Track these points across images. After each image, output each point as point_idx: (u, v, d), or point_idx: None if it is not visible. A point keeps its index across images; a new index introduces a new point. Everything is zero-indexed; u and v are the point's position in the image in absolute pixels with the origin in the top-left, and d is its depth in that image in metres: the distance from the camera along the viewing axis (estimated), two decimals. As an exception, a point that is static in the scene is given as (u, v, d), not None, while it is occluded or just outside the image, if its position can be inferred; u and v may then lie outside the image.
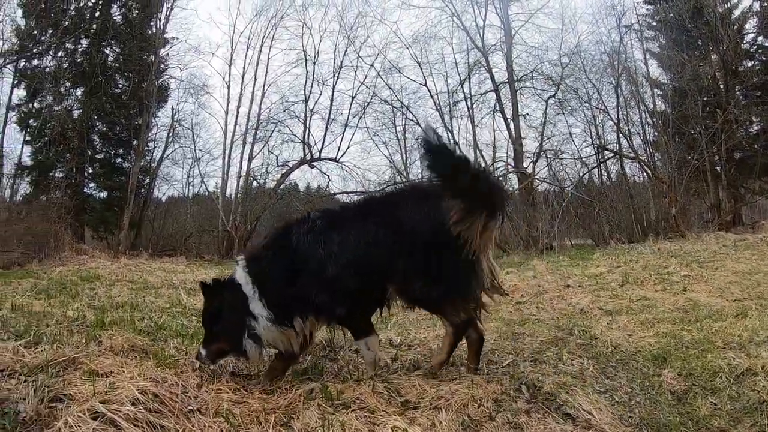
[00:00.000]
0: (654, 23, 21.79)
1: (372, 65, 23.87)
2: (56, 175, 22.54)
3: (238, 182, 23.74)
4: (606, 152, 20.14)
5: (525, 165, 20.57)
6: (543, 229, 16.70)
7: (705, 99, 19.04)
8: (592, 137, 20.62)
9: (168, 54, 24.99)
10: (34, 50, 22.00)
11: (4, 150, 22.33)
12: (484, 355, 3.55)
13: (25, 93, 23.17)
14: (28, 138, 23.19)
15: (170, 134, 23.96)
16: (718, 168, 19.53)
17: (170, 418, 2.53)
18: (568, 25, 21.88)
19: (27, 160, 22.88)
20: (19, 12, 22.60)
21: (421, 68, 23.41)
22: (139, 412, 2.47)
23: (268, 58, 24.82)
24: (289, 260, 3.22)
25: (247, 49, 24.83)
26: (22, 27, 22.54)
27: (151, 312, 5.61)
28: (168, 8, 24.72)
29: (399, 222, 3.19)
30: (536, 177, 19.77)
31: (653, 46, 21.96)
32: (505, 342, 3.95)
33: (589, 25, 24.24)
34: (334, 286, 3.12)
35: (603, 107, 20.06)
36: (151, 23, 24.81)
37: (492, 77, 22.17)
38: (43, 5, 22.04)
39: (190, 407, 2.68)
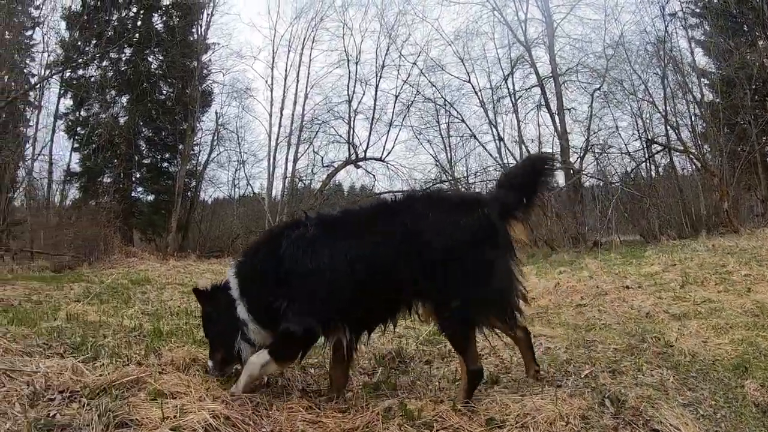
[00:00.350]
0: (698, 9, 21.12)
1: (415, 63, 23.89)
2: (104, 180, 23.36)
3: (284, 183, 24.09)
4: (655, 146, 19.61)
5: (572, 160, 20.22)
6: (592, 226, 16.45)
7: (754, 87, 18.39)
8: (639, 130, 20.14)
9: (210, 59, 25.51)
10: (79, 60, 22.62)
11: (53, 158, 23.26)
12: (561, 366, 3.55)
13: (71, 102, 24.01)
14: (76, 145, 24.02)
15: (215, 138, 24.46)
16: (769, 159, 18.90)
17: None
18: (611, 15, 21.19)
19: (75, 167, 23.70)
20: (63, 24, 23.39)
21: (464, 65, 23.29)
22: (213, 438, 2.40)
23: (310, 60, 25.06)
24: (273, 266, 3.10)
25: (288, 51, 25.09)
26: (66, 39, 23.36)
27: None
28: (209, 14, 25.17)
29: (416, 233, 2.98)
30: (584, 173, 19.40)
31: (698, 33, 21.27)
32: (579, 350, 3.91)
33: (632, 15, 23.58)
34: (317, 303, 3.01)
35: (650, 99, 19.57)
36: (193, 30, 25.33)
37: (536, 72, 21.86)
38: (85, 17, 22.73)
39: (264, 429, 2.65)
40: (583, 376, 3.35)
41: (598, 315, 5.86)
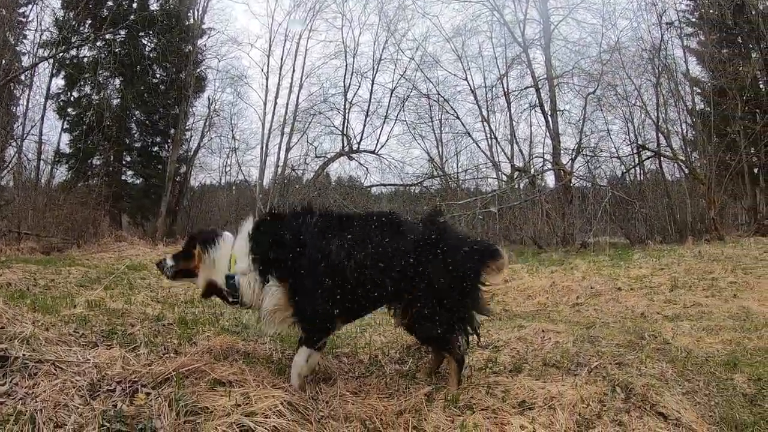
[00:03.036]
0: (694, 19, 21.50)
1: (412, 58, 24.05)
2: (94, 162, 23.13)
3: (276, 172, 24.07)
4: (645, 151, 19.98)
5: (564, 162, 20.50)
6: (580, 227, 16.76)
7: (745, 99, 18.79)
8: (629, 135, 20.52)
9: (206, 45, 25.29)
10: (73, 40, 22.37)
11: (42, 138, 23.03)
12: (572, 358, 3.78)
13: (63, 82, 23.70)
14: (66, 126, 23.78)
15: (207, 124, 24.33)
16: (756, 170, 19.35)
17: (310, 427, 2.60)
18: (608, 20, 21.55)
19: (65, 148, 23.44)
20: (58, 3, 23.13)
21: (461, 62, 23.60)
22: (286, 423, 2.52)
23: (306, 50, 25.05)
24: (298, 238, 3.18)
25: (285, 40, 25.04)
26: (61, 18, 23.07)
27: (221, 308, 5.44)
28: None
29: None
30: (575, 174, 19.73)
31: (693, 42, 21.67)
32: (585, 345, 4.13)
33: (629, 21, 23.97)
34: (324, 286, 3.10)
35: (642, 105, 19.91)
36: (189, 14, 25.14)
37: (532, 72, 22.15)
38: (80, -4, 22.47)
39: (322, 414, 2.75)
40: (593, 366, 3.57)
41: (595, 314, 6.12)
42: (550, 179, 21.76)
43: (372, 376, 3.44)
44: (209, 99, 24.71)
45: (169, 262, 3.44)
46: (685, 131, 20.17)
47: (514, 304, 7.02)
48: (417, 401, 2.89)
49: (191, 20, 24.97)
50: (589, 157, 20.32)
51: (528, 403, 2.88)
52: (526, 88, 22.73)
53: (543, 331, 4.44)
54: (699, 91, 20.87)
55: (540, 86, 21.88)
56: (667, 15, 20.79)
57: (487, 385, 3.10)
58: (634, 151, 20.10)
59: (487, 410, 2.80)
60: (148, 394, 2.71)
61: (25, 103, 23.10)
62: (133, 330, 4.03)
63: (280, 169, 23.83)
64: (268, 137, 24.13)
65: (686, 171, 19.36)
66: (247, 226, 3.29)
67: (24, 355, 2.90)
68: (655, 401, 3.08)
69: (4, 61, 21.21)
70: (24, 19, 22.94)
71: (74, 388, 2.71)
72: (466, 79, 23.53)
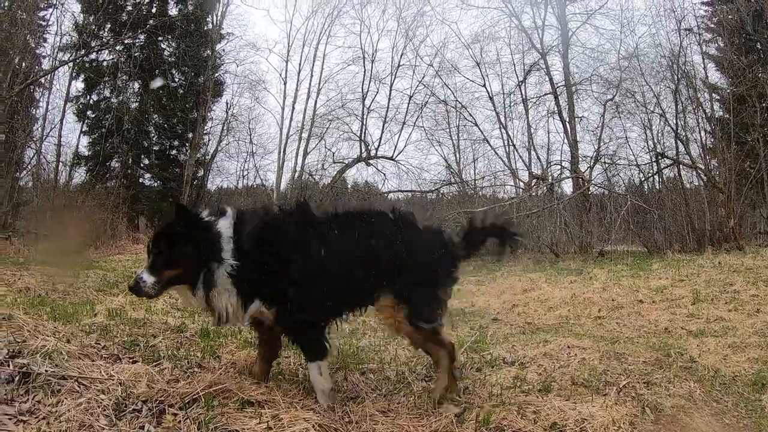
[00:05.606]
0: (713, 25, 21.33)
1: (431, 64, 23.98)
2: (113, 165, 23.38)
3: (293, 177, 24.20)
4: (664, 159, 19.79)
5: (582, 169, 20.38)
6: (598, 236, 16.66)
7: (765, 106, 18.58)
8: (648, 142, 20.32)
9: (224, 50, 25.50)
10: (93, 44, 22.64)
11: (62, 140, 23.31)
12: (600, 376, 3.79)
13: (83, 85, 24.00)
14: (85, 129, 24.07)
15: (225, 128, 24.48)
16: (775, 179, 19.11)
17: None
18: (627, 26, 21.46)
19: (84, 150, 23.69)
20: (77, 7, 23.35)
21: (480, 68, 23.40)
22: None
23: (324, 55, 25.19)
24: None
25: (303, 45, 25.18)
26: (81, 22, 23.39)
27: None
28: (224, 4, 25.22)
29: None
30: (593, 183, 19.61)
31: (712, 49, 21.48)
32: (612, 362, 4.14)
33: (647, 27, 23.80)
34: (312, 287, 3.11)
35: (661, 112, 19.76)
36: (208, 19, 25.38)
37: (550, 79, 22.04)
38: (100, 1, 22.78)
39: None
40: (621, 386, 3.59)
41: (618, 328, 6.11)
42: (567, 187, 21.68)
43: (400, 394, 3.43)
44: (227, 103, 24.91)
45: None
46: (704, 139, 19.98)
47: (536, 316, 7.01)
48: (447, 422, 2.89)
49: (210, 25, 25.19)
50: (607, 165, 20.15)
51: (560, 425, 2.89)
52: (545, 94, 22.63)
53: (568, 347, 4.46)
54: (718, 97, 20.66)
55: (558, 93, 21.77)
56: (686, 21, 20.63)
57: (517, 406, 3.11)
58: (653, 159, 19.93)
59: (519, 432, 2.81)
60: (175, 414, 2.70)
61: (44, 105, 23.42)
62: (155, 342, 4.02)
63: (297, 174, 23.96)
64: (286, 142, 24.33)
65: (705, 179, 19.17)
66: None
67: (47, 371, 2.86)
68: (685, 423, 3.10)
69: (24, 65, 21.59)
70: (44, 23, 23.32)
71: (99, 407, 2.68)
72: (484, 86, 23.40)
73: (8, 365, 2.83)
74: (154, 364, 3.40)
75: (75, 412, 2.56)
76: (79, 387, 2.82)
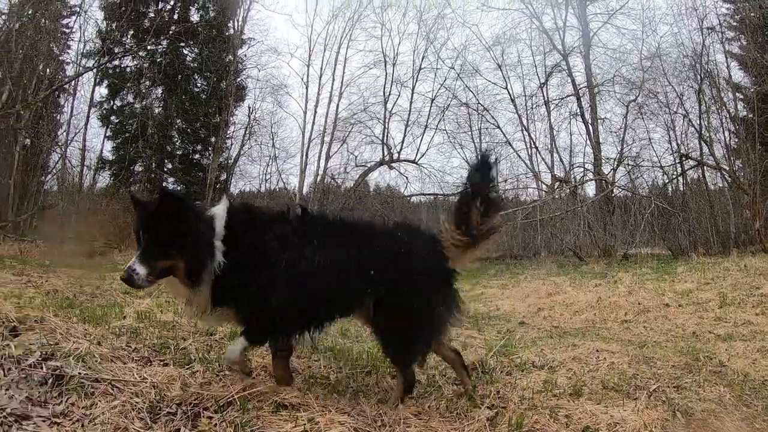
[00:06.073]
0: (735, 23, 21.05)
1: (452, 67, 24.03)
2: (136, 169, 23.81)
3: (316, 180, 24.31)
4: (688, 160, 19.58)
5: (606, 171, 20.25)
6: (622, 238, 16.53)
7: (789, 105, 18.32)
8: (671, 143, 20.16)
9: (246, 54, 25.78)
10: (116, 51, 23.05)
11: (86, 144, 23.78)
12: (630, 380, 3.85)
13: (106, 91, 24.49)
14: (109, 133, 24.55)
15: (247, 132, 24.73)
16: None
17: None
18: (649, 26, 21.33)
19: (108, 155, 24.16)
20: (101, 14, 23.74)
21: (501, 71, 23.44)
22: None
23: (345, 59, 25.37)
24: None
25: (324, 50, 25.39)
26: (104, 29, 23.86)
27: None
28: (245, 9, 25.49)
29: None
30: (617, 185, 19.44)
31: (734, 47, 21.21)
32: (641, 366, 4.18)
33: (669, 27, 23.53)
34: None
35: (684, 112, 19.57)
36: (229, 24, 25.70)
37: (572, 80, 21.97)
38: (123, 9, 23.21)
39: None
40: (651, 390, 3.64)
41: (645, 332, 6.14)
42: (589, 189, 21.55)
43: (431, 397, 3.45)
44: (249, 108, 25.15)
45: None
46: (728, 139, 19.76)
47: (562, 319, 7.06)
48: (480, 425, 2.90)
49: (231, 30, 25.48)
50: (630, 167, 19.96)
51: (592, 429, 2.93)
52: (567, 96, 22.54)
53: (597, 350, 4.49)
54: (742, 97, 20.44)
55: (581, 94, 21.67)
56: (708, 20, 20.35)
57: (549, 409, 3.15)
58: (677, 160, 19.74)
59: (552, 436, 2.86)
60: (210, 418, 2.69)
61: (69, 111, 23.91)
62: (185, 345, 3.99)
63: (319, 178, 24.12)
64: (308, 146, 24.48)
65: (729, 180, 18.94)
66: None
67: (80, 373, 2.86)
68: (716, 427, 3.14)
69: (48, 71, 22.07)
70: (67, 30, 23.81)
71: (134, 410, 2.69)
72: (506, 88, 23.41)
73: (41, 367, 2.85)
74: (186, 367, 3.42)
75: (109, 414, 2.59)
76: (113, 390, 2.84)
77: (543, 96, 22.99)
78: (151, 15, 24.22)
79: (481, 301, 8.94)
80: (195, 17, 25.34)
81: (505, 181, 23.49)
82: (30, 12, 18.40)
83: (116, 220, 18.41)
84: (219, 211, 3.07)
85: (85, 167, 23.92)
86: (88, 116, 23.85)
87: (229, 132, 24.66)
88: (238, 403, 2.80)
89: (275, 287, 3.01)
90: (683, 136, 20.04)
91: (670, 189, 20.45)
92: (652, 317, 6.88)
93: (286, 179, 25.93)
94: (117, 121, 24.55)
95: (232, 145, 25.08)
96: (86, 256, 14.69)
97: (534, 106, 23.27)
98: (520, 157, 23.35)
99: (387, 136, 24.28)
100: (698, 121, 19.01)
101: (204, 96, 24.57)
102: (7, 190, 20.23)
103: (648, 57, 20.68)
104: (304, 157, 24.38)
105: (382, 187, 25.94)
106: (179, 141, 25.16)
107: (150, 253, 2.87)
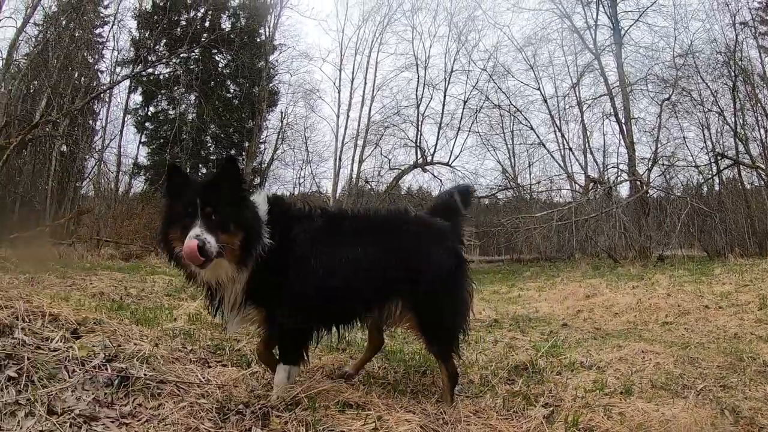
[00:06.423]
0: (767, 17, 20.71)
1: (484, 69, 24.20)
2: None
3: (349, 183, 24.73)
4: (724, 159, 19.32)
5: (640, 171, 20.01)
6: (657, 240, 16.40)
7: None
8: (706, 142, 19.92)
9: (277, 60, 26.29)
10: (150, 59, 23.69)
11: (121, 150, 24.60)
12: (677, 380, 3.99)
13: (141, 98, 25.20)
14: (144, 139, 25.26)
15: (280, 137, 25.20)
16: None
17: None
18: (680, 23, 21.08)
19: (143, 160, 24.90)
20: (134, 23, 24.65)
21: (533, 71, 23.56)
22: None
23: (377, 63, 25.73)
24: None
25: (356, 53, 25.84)
26: (137, 38, 24.54)
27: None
28: (276, 16, 26.00)
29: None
30: (651, 185, 19.25)
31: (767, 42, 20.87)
32: (687, 366, 4.30)
33: (701, 23, 23.17)
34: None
35: (718, 110, 19.33)
36: (260, 31, 26.18)
37: (605, 80, 21.84)
38: (155, 17, 23.84)
39: None
40: (699, 389, 3.78)
41: (686, 333, 6.22)
42: (622, 190, 21.40)
43: (486, 396, 3.53)
44: (282, 113, 25.61)
45: None
46: (764, 137, 19.46)
47: (602, 321, 7.15)
48: (537, 423, 3.00)
49: (263, 37, 25.92)
50: (665, 167, 19.78)
51: (645, 426, 3.04)
52: (600, 96, 22.46)
53: (642, 351, 4.62)
54: (776, 93, 20.04)
55: (614, 94, 21.46)
56: (741, 14, 20.11)
57: (602, 407, 3.29)
58: (712, 159, 19.48)
59: (608, 434, 2.99)
60: (279, 416, 2.73)
61: (104, 118, 24.73)
62: (239, 346, 4.06)
63: (353, 181, 24.42)
64: (341, 149, 24.86)
65: (766, 179, 18.64)
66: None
67: (145, 374, 2.94)
68: (763, 425, 3.25)
69: (83, 80, 22.82)
70: (100, 39, 24.57)
71: (203, 410, 2.73)
72: (538, 89, 23.48)
73: (106, 369, 2.90)
74: (245, 368, 3.50)
75: (178, 415, 2.63)
76: (179, 391, 2.90)
77: (576, 96, 23.10)
78: (183, 23, 24.81)
79: (519, 304, 9.07)
80: (226, 24, 25.82)
81: (539, 182, 23.59)
82: (64, 23, 19.06)
83: (152, 224, 19.02)
84: (259, 198, 3.01)
85: (121, 172, 24.68)
86: (123, 123, 24.65)
87: (262, 137, 25.18)
88: (306, 401, 2.87)
89: (319, 280, 2.96)
90: (718, 134, 19.86)
91: (705, 189, 20.23)
92: (693, 319, 6.94)
93: (319, 182, 26.31)
94: (152, 127, 25.18)
95: (265, 149, 25.58)
96: (123, 259, 15.30)
97: (567, 106, 23.42)
98: (553, 158, 23.45)
99: (420, 138, 24.56)
100: (733, 119, 18.81)
101: (237, 101, 25.05)
102: (44, 195, 21.02)
103: (680, 54, 20.51)
104: (337, 160, 24.80)
105: (413, 189, 26.13)
106: (213, 146, 25.72)
107: (215, 223, 2.67)
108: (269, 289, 2.92)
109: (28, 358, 2.77)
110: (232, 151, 25.22)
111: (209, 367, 3.54)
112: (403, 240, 3.26)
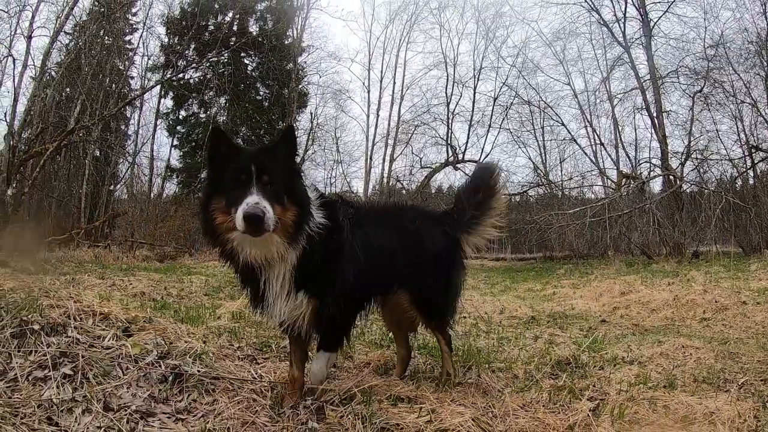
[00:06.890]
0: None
1: (513, 65, 24.32)
2: (203, 176, 24.96)
3: (381, 182, 24.90)
4: (758, 152, 18.93)
5: (674, 166, 19.73)
6: (692, 236, 16.21)
7: None
8: (740, 135, 19.57)
9: (306, 62, 26.59)
10: (179, 64, 24.20)
11: (153, 154, 25.29)
12: (718, 374, 4.09)
13: (171, 103, 25.76)
14: (176, 143, 25.81)
15: (310, 137, 25.42)
16: None
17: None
18: (710, 13, 20.66)
19: (176, 163, 25.44)
20: (163, 29, 25.29)
21: (563, 66, 23.67)
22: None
23: (405, 62, 25.89)
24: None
25: (384, 53, 26.04)
26: (166, 43, 25.10)
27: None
28: (303, 18, 26.31)
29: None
30: (685, 180, 19.00)
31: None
32: (728, 361, 4.39)
33: (732, 12, 22.73)
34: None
35: (752, 101, 18.97)
36: (288, 33, 26.50)
37: (636, 73, 21.49)
38: (184, 23, 24.32)
39: (499, 428, 2.88)
40: (740, 383, 3.88)
41: (725, 329, 6.26)
42: (655, 185, 21.13)
43: (531, 390, 3.61)
44: (312, 113, 25.83)
45: None
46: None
47: (639, 318, 7.22)
48: (584, 416, 3.07)
49: (291, 39, 26.20)
50: (699, 161, 19.40)
51: (689, 419, 3.13)
52: (631, 90, 22.19)
53: (682, 347, 4.71)
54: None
55: (645, 87, 21.13)
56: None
57: (647, 400, 3.40)
58: (746, 152, 19.13)
59: (653, 425, 3.05)
60: (334, 410, 2.80)
61: (136, 122, 25.33)
62: (284, 343, 4.06)
63: (384, 180, 24.59)
64: (372, 149, 25.11)
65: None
66: None
67: (198, 371, 3.02)
68: (805, 419, 3.36)
69: (115, 86, 23.43)
70: (130, 46, 25.18)
71: (259, 406, 2.80)
72: (568, 84, 23.52)
73: (159, 366, 3.00)
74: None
75: (234, 410, 2.70)
76: (232, 386, 2.98)
77: (606, 90, 22.93)
78: (211, 28, 25.27)
79: (555, 301, 9.14)
80: (254, 28, 26.16)
81: (570, 179, 23.41)
82: (93, 29, 19.60)
83: (185, 225, 19.53)
84: None
85: (154, 175, 25.27)
86: (155, 127, 25.24)
87: (293, 138, 25.34)
88: (360, 395, 2.96)
89: (366, 264, 2.98)
90: (752, 126, 19.47)
91: (739, 182, 19.88)
92: (731, 315, 6.95)
93: (350, 182, 26.53)
94: (183, 130, 25.68)
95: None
96: (158, 260, 15.74)
97: (597, 101, 23.24)
98: (585, 153, 23.27)
99: (451, 136, 24.60)
100: (767, 110, 18.42)
101: (267, 103, 25.38)
102: (79, 198, 21.67)
103: (711, 45, 20.15)
104: (368, 160, 25.03)
105: (444, 187, 26.15)
106: (244, 148, 26.07)
107: (271, 193, 2.48)
108: (321, 273, 2.82)
109: (83, 356, 2.88)
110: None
111: (257, 363, 3.69)
112: (410, 226, 3.46)
